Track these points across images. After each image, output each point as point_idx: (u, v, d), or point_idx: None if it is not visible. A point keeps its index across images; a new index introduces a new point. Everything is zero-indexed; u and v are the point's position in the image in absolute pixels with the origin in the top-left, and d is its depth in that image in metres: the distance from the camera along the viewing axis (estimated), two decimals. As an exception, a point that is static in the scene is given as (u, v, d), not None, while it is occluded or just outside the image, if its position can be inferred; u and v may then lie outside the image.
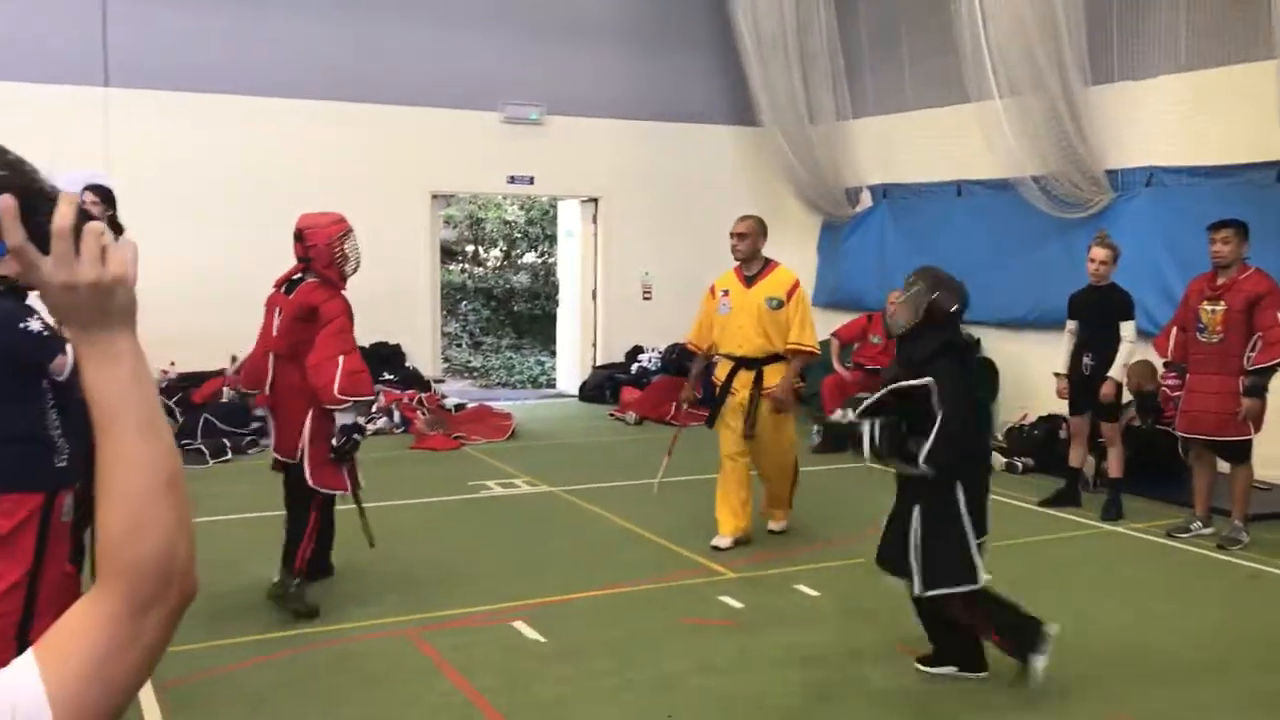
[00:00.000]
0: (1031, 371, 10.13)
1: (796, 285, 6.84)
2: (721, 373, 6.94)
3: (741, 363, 6.78)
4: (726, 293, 6.91)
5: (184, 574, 1.21)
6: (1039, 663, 4.50)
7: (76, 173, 8.08)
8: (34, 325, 3.77)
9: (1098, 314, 7.62)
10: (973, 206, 11.06)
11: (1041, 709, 4.45)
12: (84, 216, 1.17)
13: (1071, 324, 7.86)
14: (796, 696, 4.55)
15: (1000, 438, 9.83)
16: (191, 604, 1.23)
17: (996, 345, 10.85)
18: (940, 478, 4.49)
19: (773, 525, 7.19)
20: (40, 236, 1.16)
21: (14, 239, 1.16)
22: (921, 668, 4.79)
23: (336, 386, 5.24)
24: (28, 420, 3.79)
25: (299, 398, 5.44)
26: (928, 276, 4.86)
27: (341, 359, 5.30)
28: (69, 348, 3.77)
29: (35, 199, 1.17)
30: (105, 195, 6.66)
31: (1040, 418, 9.57)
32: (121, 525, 1.18)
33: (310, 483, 5.43)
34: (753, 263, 6.87)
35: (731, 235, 6.94)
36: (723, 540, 6.75)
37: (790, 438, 6.94)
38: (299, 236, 5.55)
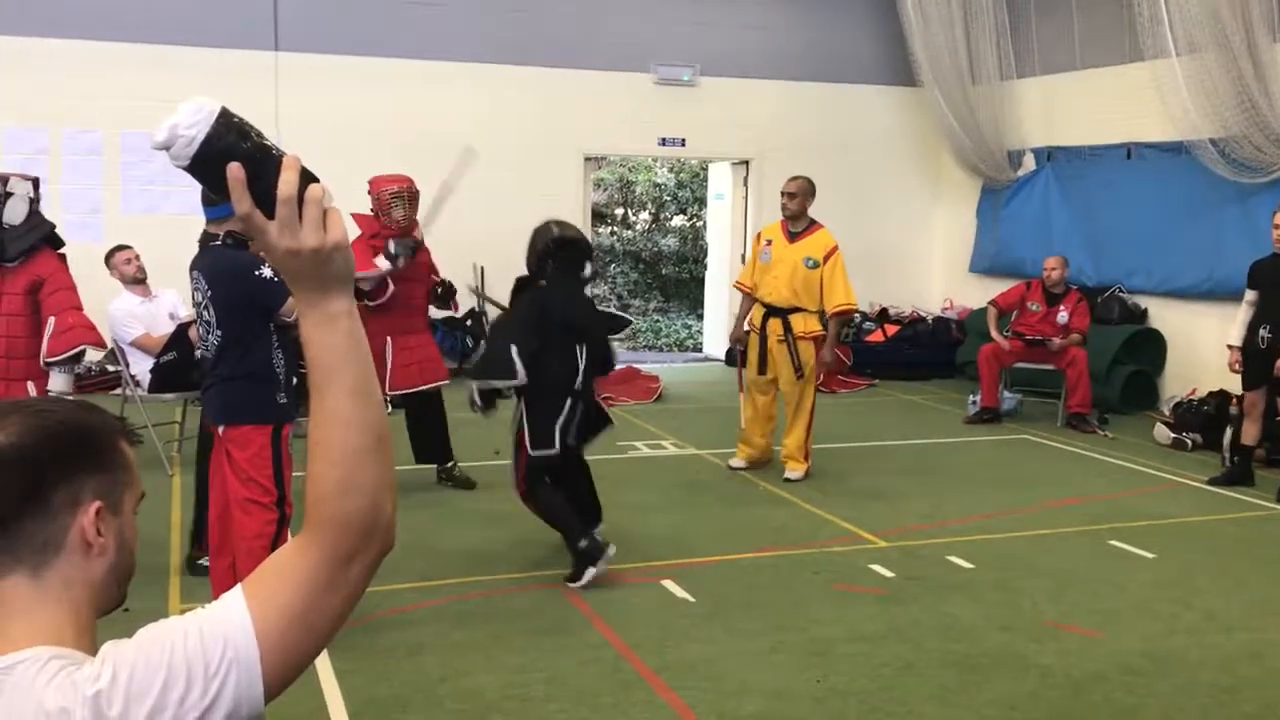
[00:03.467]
0: (1202, 344, 9.70)
1: (835, 249, 7.38)
2: (756, 316, 7.52)
3: (771, 310, 7.38)
4: (770, 243, 7.53)
5: (386, 528, 1.28)
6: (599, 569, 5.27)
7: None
8: (266, 272, 4.26)
9: (1281, 284, 7.22)
10: (1143, 170, 10.58)
11: (1202, 700, 4.28)
12: (307, 179, 1.21)
13: (1250, 294, 7.47)
14: (947, 668, 4.48)
15: (1168, 412, 9.44)
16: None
17: (1164, 315, 10.50)
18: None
19: (790, 473, 7.44)
20: (266, 198, 1.21)
21: (242, 206, 1.21)
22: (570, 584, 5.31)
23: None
24: (259, 359, 4.30)
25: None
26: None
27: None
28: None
29: (263, 162, 1.20)
30: None
31: (1210, 393, 9.14)
32: (334, 480, 1.23)
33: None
34: (799, 220, 7.48)
35: (782, 194, 7.61)
36: (739, 462, 7.63)
37: (810, 387, 7.46)
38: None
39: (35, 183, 5.79)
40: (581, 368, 5.50)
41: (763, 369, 7.49)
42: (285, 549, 1.27)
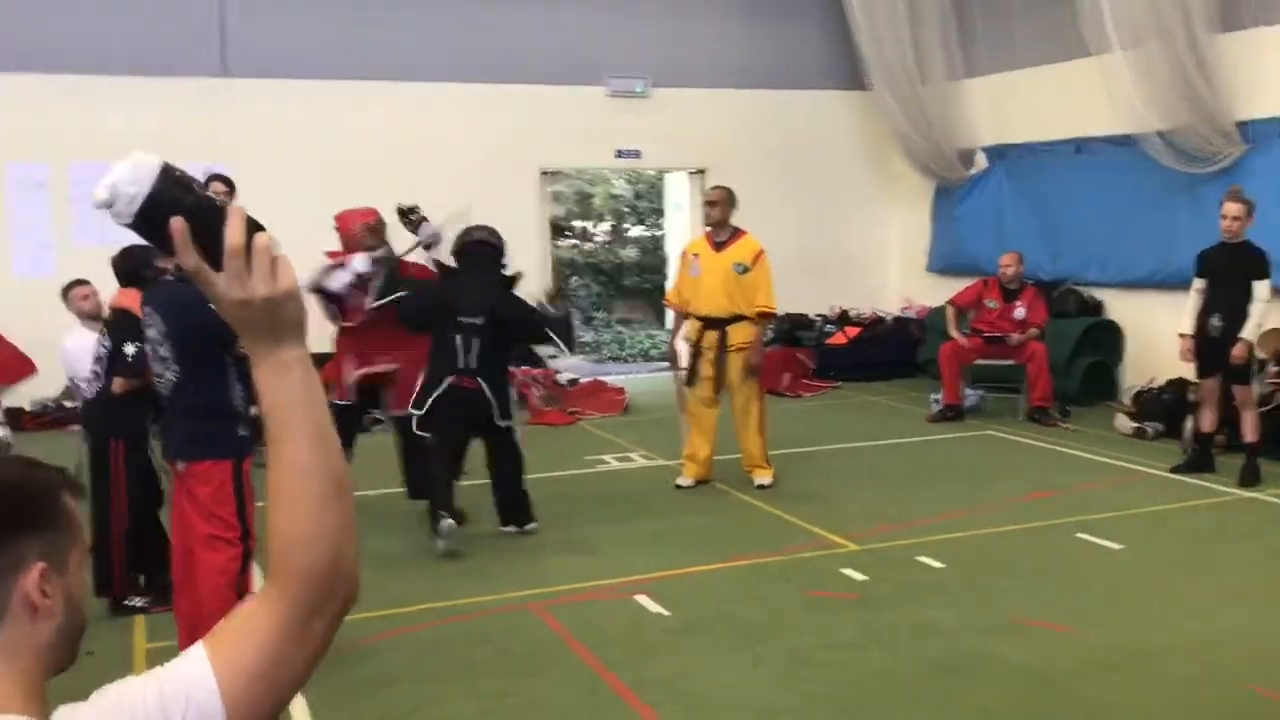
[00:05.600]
0: (1158, 334, 9.80)
1: (761, 253, 7.39)
2: (691, 331, 7.51)
3: (708, 323, 7.36)
4: (697, 256, 7.54)
5: (350, 579, 1.25)
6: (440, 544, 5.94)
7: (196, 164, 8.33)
8: None
9: (1230, 272, 7.31)
10: (1093, 164, 10.69)
11: (1177, 690, 4.31)
12: (253, 228, 1.20)
13: (1199, 282, 7.55)
14: (924, 672, 4.49)
15: (1128, 402, 9.54)
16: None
17: (1120, 307, 10.62)
18: None
19: (759, 480, 7.47)
20: (214, 251, 1.19)
21: (189, 262, 1.19)
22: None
23: None
24: (218, 393, 4.22)
25: None
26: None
27: None
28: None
29: (208, 214, 1.19)
30: (230, 184, 6.93)
31: (1168, 381, 9.24)
32: (294, 531, 1.22)
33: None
34: (722, 229, 7.48)
35: (704, 204, 7.74)
36: (686, 480, 7.50)
37: (756, 392, 7.45)
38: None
39: None
40: (463, 356, 6.11)
41: (691, 380, 7.44)
42: (249, 603, 1.25)
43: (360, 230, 6.64)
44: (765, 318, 7.49)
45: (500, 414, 6.24)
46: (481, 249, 6.36)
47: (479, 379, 6.14)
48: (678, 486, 7.52)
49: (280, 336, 1.23)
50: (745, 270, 7.33)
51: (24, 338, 9.29)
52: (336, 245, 6.82)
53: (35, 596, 1.22)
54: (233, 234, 1.18)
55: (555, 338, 6.37)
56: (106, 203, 1.18)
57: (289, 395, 1.23)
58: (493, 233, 6.46)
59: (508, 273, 6.46)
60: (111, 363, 5.21)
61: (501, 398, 6.25)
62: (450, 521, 5.97)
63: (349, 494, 1.26)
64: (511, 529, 6.42)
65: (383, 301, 6.55)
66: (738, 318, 7.35)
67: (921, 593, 5.40)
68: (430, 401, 6.12)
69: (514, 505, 6.43)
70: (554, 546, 6.24)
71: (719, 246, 7.44)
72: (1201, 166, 9.36)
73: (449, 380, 6.11)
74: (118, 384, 5.14)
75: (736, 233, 7.50)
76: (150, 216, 1.18)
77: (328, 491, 1.23)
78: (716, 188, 7.65)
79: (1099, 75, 9.68)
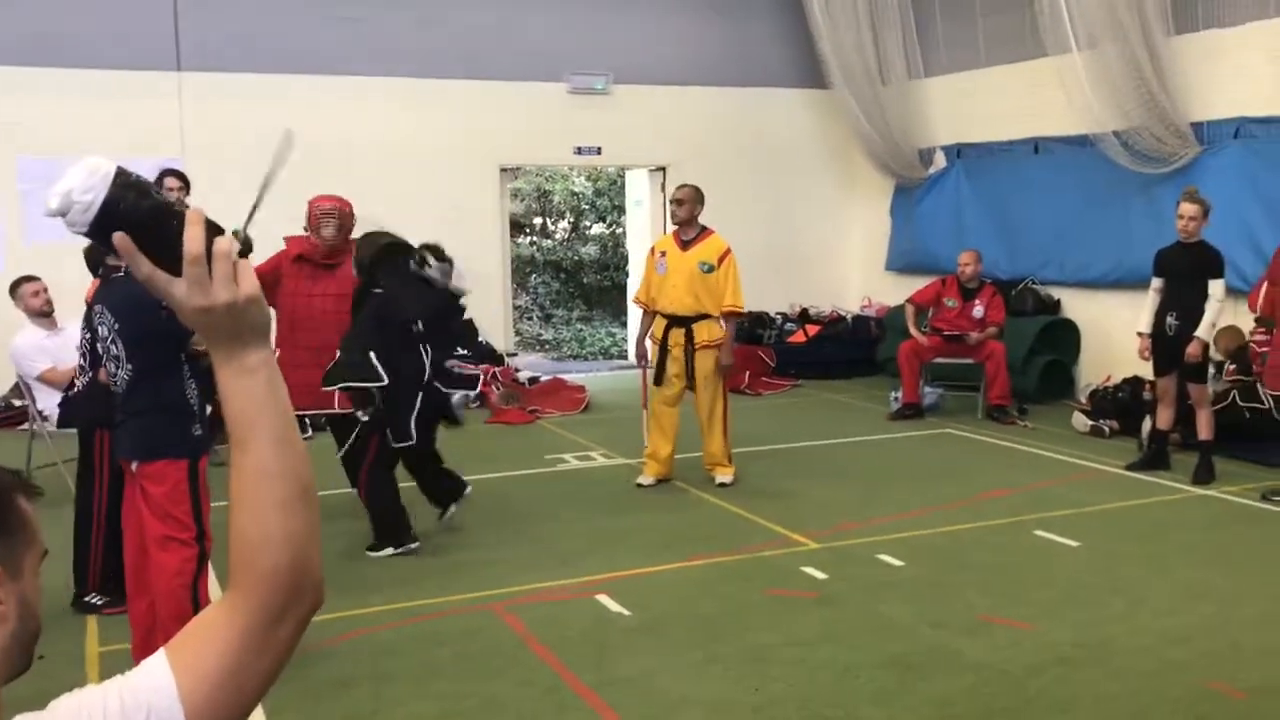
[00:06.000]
0: (1114, 332, 9.92)
1: (728, 252, 7.39)
2: (658, 330, 7.50)
3: (674, 320, 7.38)
4: (664, 254, 7.52)
5: (316, 583, 1.24)
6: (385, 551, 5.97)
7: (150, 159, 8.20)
8: None
9: (1186, 272, 7.38)
10: (1051, 164, 10.79)
11: (1135, 687, 4.35)
12: (212, 232, 1.17)
13: (1156, 282, 7.63)
14: (884, 668, 4.49)
15: (1084, 400, 9.64)
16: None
17: (1077, 306, 10.72)
18: None
19: (720, 478, 7.46)
20: (173, 256, 1.16)
21: (141, 270, 1.16)
22: (369, 553, 5.96)
23: None
24: (172, 391, 4.16)
25: None
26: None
27: None
28: None
29: (165, 217, 1.17)
30: (184, 180, 6.82)
31: (1124, 379, 9.34)
32: (259, 535, 1.19)
33: None
34: (689, 228, 7.47)
35: (670, 202, 7.76)
36: (647, 479, 7.52)
37: (721, 391, 7.44)
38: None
39: None
40: (428, 363, 5.96)
41: (659, 379, 7.44)
42: (211, 609, 1.22)
43: (320, 214, 6.48)
44: (733, 316, 7.46)
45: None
46: (399, 253, 6.04)
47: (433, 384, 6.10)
48: (639, 485, 7.52)
49: (245, 341, 1.21)
50: (711, 269, 7.33)
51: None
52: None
53: None
54: (191, 241, 1.16)
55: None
56: (60, 211, 1.14)
57: (253, 398, 1.21)
58: (393, 234, 6.17)
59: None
60: (93, 354, 5.11)
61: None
62: (415, 544, 6.06)
63: (314, 497, 1.24)
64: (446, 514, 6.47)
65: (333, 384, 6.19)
66: (703, 316, 7.36)
67: (881, 590, 5.41)
68: (413, 421, 5.96)
69: (457, 486, 6.49)
70: (515, 546, 6.20)
71: (686, 245, 7.44)
72: (1157, 167, 9.46)
73: (420, 395, 5.98)
74: (103, 374, 5.04)
75: (704, 231, 7.49)
76: (104, 225, 1.14)
77: (293, 495, 1.20)
78: (684, 186, 7.63)
79: (1056, 76, 9.77)
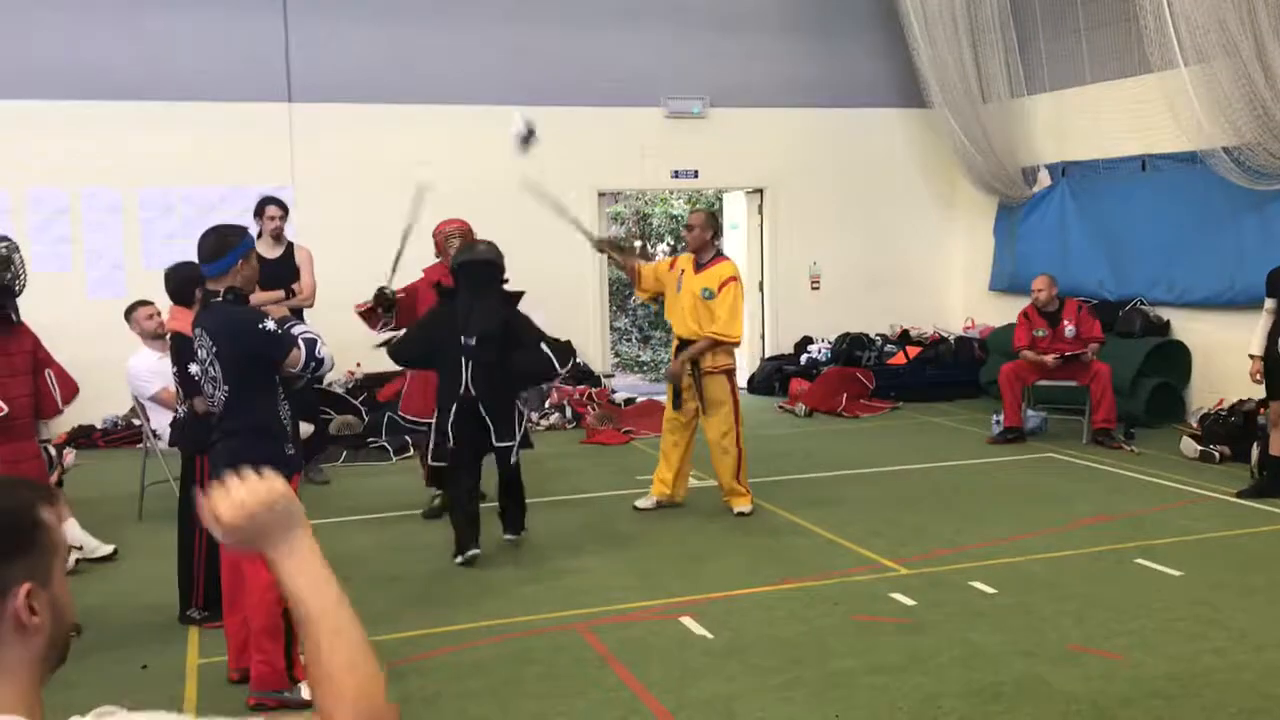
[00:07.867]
0: (1226, 355, 9.58)
1: (730, 279, 7.17)
2: (672, 350, 7.52)
3: (683, 343, 7.33)
4: (683, 272, 7.38)
5: (390, 711, 1.42)
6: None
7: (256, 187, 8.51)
8: (269, 325, 4.28)
9: (1300, 293, 7.12)
10: (1158, 182, 10.49)
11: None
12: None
13: (1270, 303, 7.38)
14: (969, 698, 4.41)
15: (1194, 424, 9.32)
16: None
17: (1187, 327, 10.38)
18: None
19: (738, 508, 7.31)
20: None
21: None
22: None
23: None
24: (266, 412, 4.31)
25: None
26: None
27: None
28: (300, 341, 4.28)
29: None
30: (283, 208, 7.25)
31: (1237, 402, 9.01)
32: (351, 685, 1.38)
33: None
34: (702, 253, 7.33)
35: (684, 229, 7.77)
36: (646, 503, 7.49)
37: (728, 416, 7.25)
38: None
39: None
40: (465, 377, 6.16)
41: (677, 404, 7.33)
42: None
43: (444, 236, 7.18)
44: (717, 340, 7.15)
45: (498, 435, 6.31)
46: (479, 268, 6.32)
47: (478, 400, 6.24)
48: (635, 508, 7.48)
49: (287, 528, 1.44)
50: (711, 295, 7.17)
51: (97, 358, 9.57)
52: (403, 262, 7.20)
53: (24, 616, 1.26)
54: (206, 520, 1.42)
55: (552, 357, 6.39)
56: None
57: (308, 579, 1.40)
58: (491, 247, 6.44)
59: (509, 289, 6.45)
60: (184, 384, 5.33)
61: (502, 418, 6.31)
62: (473, 553, 6.22)
63: (370, 652, 1.41)
64: (509, 536, 6.56)
65: (381, 344, 6.84)
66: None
67: (972, 618, 5.31)
68: (442, 428, 6.33)
69: (510, 519, 6.58)
70: (602, 567, 6.25)
71: (699, 268, 7.32)
72: (1270, 183, 9.14)
73: (454, 404, 6.26)
74: (198, 403, 5.24)
75: (717, 256, 7.40)
76: None
77: (359, 639, 1.40)
78: (696, 211, 7.62)
79: (1162, 92, 9.51)
